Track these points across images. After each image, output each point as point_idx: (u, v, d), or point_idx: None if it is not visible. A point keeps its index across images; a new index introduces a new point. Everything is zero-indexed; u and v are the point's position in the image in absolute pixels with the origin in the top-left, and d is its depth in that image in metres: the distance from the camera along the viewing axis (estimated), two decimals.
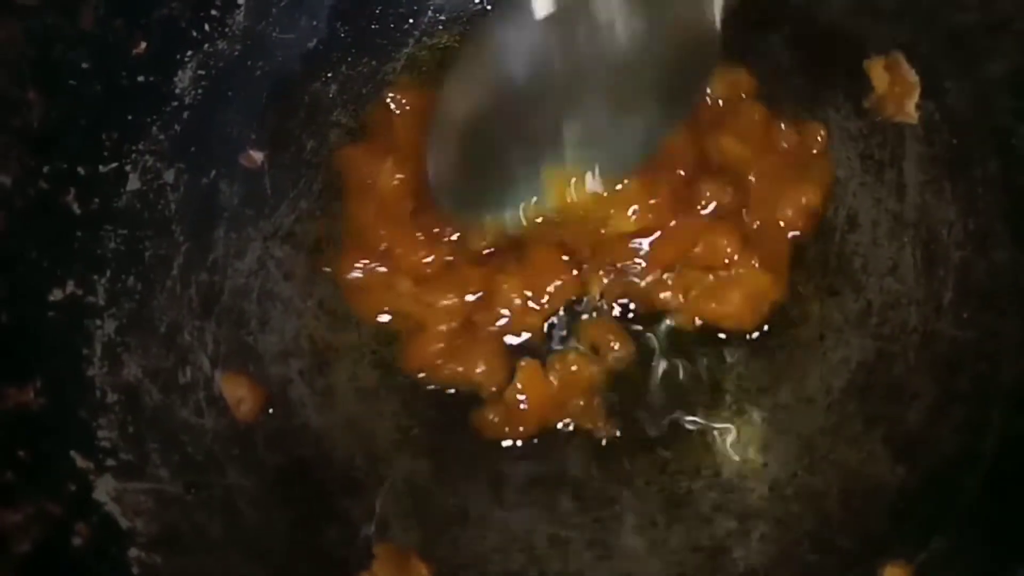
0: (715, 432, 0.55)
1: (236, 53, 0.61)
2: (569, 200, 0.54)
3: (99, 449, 0.50)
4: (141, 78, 0.57)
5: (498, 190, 0.54)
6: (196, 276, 0.57)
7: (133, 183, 0.56)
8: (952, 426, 0.51)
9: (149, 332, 0.54)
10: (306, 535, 0.52)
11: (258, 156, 0.61)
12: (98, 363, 0.52)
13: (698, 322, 0.56)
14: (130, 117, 0.56)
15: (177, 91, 0.59)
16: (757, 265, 0.55)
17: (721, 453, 0.54)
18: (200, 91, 0.59)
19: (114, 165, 0.56)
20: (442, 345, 0.56)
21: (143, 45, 0.57)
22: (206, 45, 0.60)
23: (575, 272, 0.57)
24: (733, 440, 0.54)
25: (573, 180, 0.54)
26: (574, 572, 0.52)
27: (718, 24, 0.51)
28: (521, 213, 0.55)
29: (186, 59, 0.59)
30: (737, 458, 0.54)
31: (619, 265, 0.56)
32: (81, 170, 0.54)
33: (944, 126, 0.58)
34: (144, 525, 0.48)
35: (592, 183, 0.54)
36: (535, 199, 0.54)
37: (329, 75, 0.63)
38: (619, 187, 0.54)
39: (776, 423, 0.54)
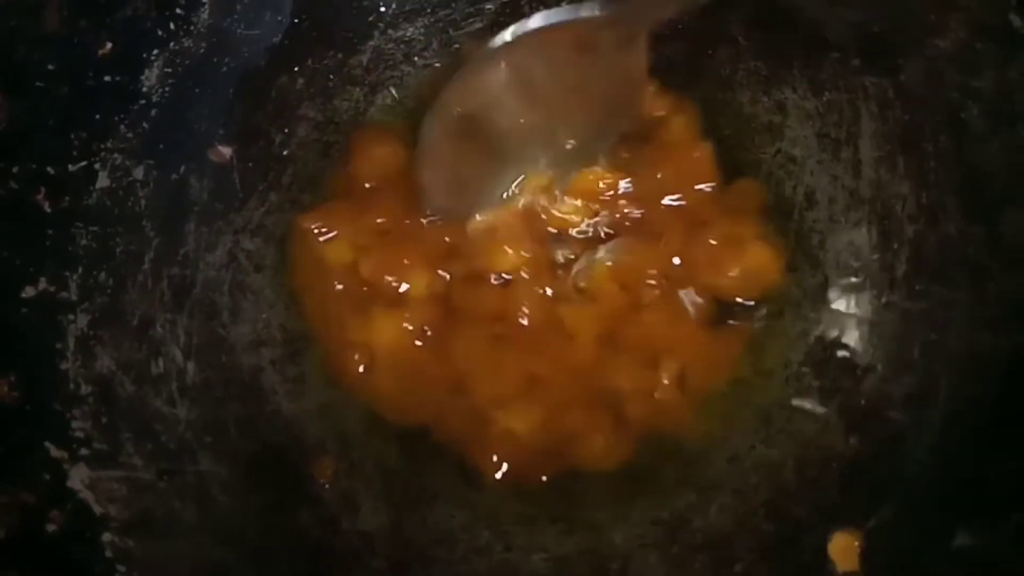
0: None
1: (202, 50, 0.61)
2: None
3: (73, 439, 0.51)
4: (108, 78, 0.58)
5: (481, 194, 0.61)
6: (167, 270, 0.58)
7: (103, 181, 0.57)
8: (903, 396, 0.52)
9: (121, 326, 0.55)
10: (279, 519, 0.53)
11: (227, 151, 0.62)
12: (71, 356, 0.53)
13: None
14: (98, 116, 0.57)
15: (144, 89, 0.59)
16: None
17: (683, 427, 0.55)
18: (167, 89, 0.60)
19: (83, 164, 0.56)
20: None
21: (109, 45, 0.58)
22: (172, 43, 0.60)
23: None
24: (695, 414, 0.56)
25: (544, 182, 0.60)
26: (538, 546, 0.53)
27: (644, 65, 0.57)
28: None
29: (152, 58, 0.60)
30: (698, 432, 0.55)
31: None
32: (50, 169, 0.55)
33: (897, 102, 0.58)
34: (118, 511, 0.49)
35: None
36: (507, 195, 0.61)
37: (295, 69, 0.64)
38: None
39: (736, 397, 0.56)
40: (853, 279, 0.57)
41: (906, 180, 0.57)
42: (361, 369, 0.57)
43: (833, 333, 0.56)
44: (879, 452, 0.51)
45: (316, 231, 0.60)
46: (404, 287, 0.58)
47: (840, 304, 0.57)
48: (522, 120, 0.59)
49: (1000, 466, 0.47)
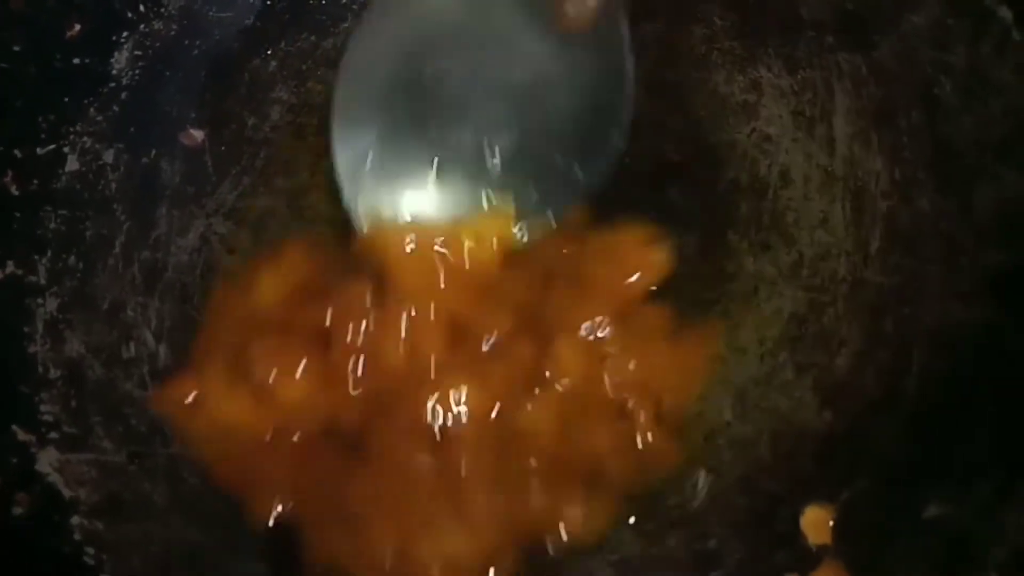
0: None
1: (173, 32, 0.61)
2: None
3: (42, 423, 0.50)
4: (76, 60, 0.57)
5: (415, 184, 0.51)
6: (138, 254, 0.58)
7: (72, 164, 0.57)
8: (876, 371, 0.52)
9: (91, 309, 0.55)
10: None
11: (198, 134, 0.61)
12: (40, 340, 0.53)
13: None
14: (67, 99, 0.57)
15: (114, 72, 0.59)
16: None
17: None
18: (138, 72, 0.60)
19: (52, 147, 0.56)
20: None
21: (77, 27, 0.57)
22: (142, 25, 0.60)
23: None
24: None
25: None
26: None
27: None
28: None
29: (122, 40, 0.59)
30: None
31: None
32: (18, 152, 0.55)
33: (871, 78, 0.58)
34: (87, 494, 0.49)
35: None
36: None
37: (268, 52, 0.64)
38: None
39: (711, 374, 0.55)
40: (827, 255, 0.57)
41: (879, 156, 0.57)
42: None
43: (807, 310, 0.56)
44: (853, 426, 0.51)
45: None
46: (284, 387, 0.49)
47: (814, 281, 0.56)
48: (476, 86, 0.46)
49: (970, 436, 0.47)
